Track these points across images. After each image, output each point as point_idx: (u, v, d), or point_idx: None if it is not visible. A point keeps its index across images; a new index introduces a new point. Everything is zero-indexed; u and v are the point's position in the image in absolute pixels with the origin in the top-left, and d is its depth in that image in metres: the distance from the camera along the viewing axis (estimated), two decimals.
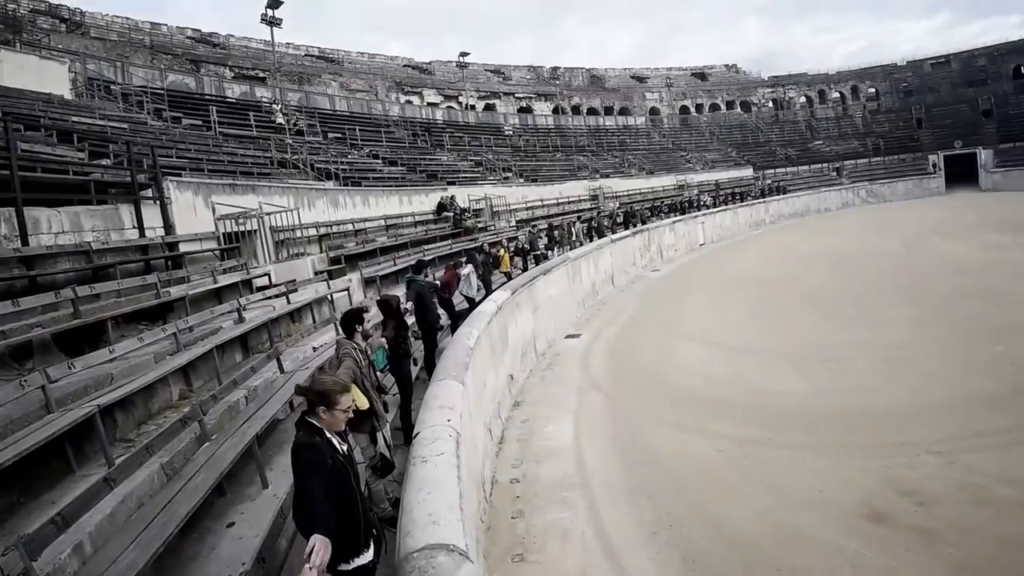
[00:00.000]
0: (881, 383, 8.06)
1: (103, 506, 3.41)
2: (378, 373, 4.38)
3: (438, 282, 8.49)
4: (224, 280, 9.04)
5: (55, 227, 7.76)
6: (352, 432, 3.41)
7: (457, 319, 8.13)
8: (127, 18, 30.72)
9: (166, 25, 32.51)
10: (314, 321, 9.36)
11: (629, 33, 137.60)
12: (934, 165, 43.72)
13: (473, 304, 8.78)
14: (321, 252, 12.68)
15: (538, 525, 5.10)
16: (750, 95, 56.06)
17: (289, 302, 9.13)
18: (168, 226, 9.72)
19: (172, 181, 10.39)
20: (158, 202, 9.67)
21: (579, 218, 21.76)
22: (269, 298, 9.16)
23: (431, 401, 4.21)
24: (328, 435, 2.49)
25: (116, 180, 9.56)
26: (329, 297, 10.22)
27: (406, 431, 5.19)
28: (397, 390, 5.38)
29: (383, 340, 4.94)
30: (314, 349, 7.50)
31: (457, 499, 2.68)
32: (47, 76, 16.12)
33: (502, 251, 11.65)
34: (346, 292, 10.90)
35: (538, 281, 10.96)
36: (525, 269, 12.46)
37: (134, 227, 9.05)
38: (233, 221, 10.91)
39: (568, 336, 12.08)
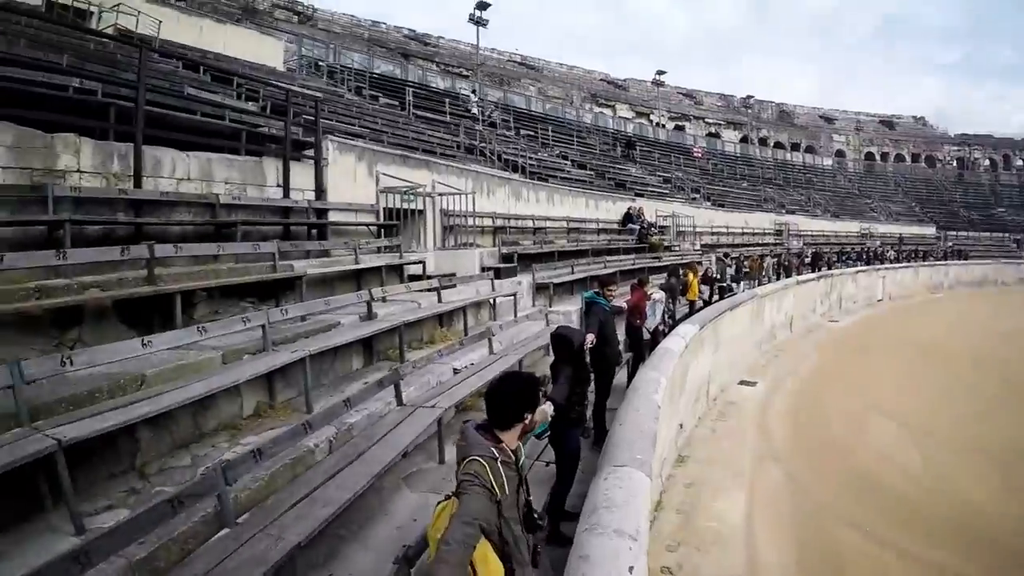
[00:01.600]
0: None
1: None
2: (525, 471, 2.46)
3: (624, 304, 6.73)
4: (367, 261, 7.24)
5: (179, 172, 6.39)
6: None
7: (641, 355, 6.43)
8: (352, 15, 33.17)
9: (385, 24, 34.62)
10: (466, 330, 7.33)
11: (805, 73, 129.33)
12: None
13: (654, 336, 7.17)
14: (494, 246, 10.88)
15: None
16: (936, 150, 51.58)
17: (440, 300, 7.36)
18: (320, 190, 8.08)
19: (333, 141, 8.79)
20: (313, 161, 8.03)
21: (770, 252, 19.95)
22: (417, 292, 7.38)
23: (604, 515, 2.41)
24: None
25: (273, 135, 8.37)
26: (492, 301, 8.43)
27: (554, 524, 3.57)
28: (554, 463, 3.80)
29: (549, 410, 2.90)
30: (455, 371, 5.77)
31: None
32: (264, 50, 16.86)
33: (691, 276, 10.57)
34: (512, 298, 8.97)
35: (725, 316, 9.97)
36: (708, 300, 11.38)
37: (278, 185, 7.52)
38: (399, 196, 9.29)
39: (742, 382, 10.83)
